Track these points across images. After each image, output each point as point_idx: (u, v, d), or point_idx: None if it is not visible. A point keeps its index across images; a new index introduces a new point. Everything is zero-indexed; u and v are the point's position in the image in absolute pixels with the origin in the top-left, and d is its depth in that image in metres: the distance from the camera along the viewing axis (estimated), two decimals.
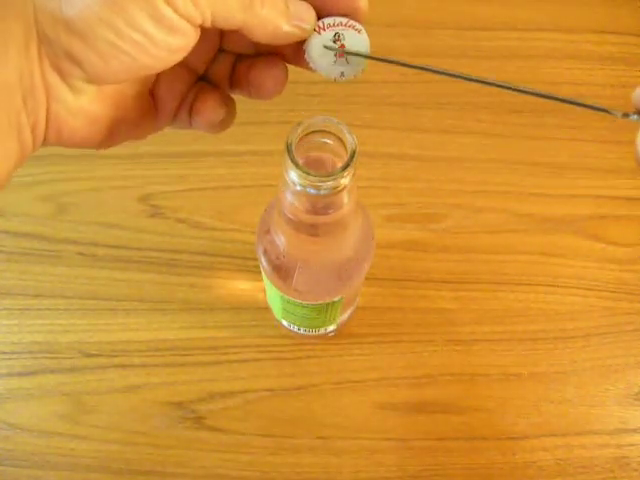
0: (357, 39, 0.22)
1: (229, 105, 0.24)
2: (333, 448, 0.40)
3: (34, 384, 0.41)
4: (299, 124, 0.25)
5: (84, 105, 0.21)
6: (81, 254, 0.45)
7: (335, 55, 0.22)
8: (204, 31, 0.20)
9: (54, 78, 0.19)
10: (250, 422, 0.40)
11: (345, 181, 0.24)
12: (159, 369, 0.41)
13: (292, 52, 0.23)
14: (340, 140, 0.25)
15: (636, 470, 0.40)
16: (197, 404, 0.41)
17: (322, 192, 0.24)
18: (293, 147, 0.24)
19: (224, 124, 0.24)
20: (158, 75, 0.23)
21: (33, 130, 0.20)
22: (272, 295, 0.36)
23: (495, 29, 0.55)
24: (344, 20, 0.22)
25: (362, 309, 0.43)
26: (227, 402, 0.41)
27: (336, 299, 0.34)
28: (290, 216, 0.27)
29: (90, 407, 0.40)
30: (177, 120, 0.24)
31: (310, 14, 0.21)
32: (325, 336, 0.42)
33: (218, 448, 0.40)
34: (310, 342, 0.42)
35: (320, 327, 0.39)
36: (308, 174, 0.24)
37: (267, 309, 0.43)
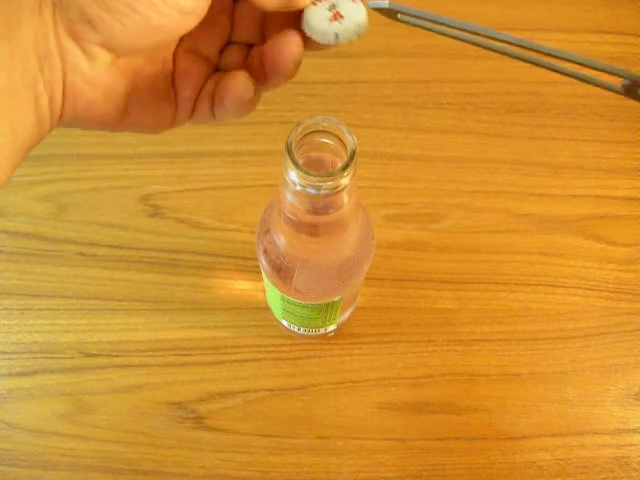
0: (353, 8, 0.22)
1: (255, 84, 0.23)
2: (333, 448, 0.40)
3: (34, 384, 0.41)
4: (299, 124, 0.25)
5: (100, 75, 0.21)
6: (81, 254, 0.45)
7: (329, 20, 0.22)
8: (214, 17, 0.21)
9: (69, 43, 0.19)
10: (250, 422, 0.40)
11: (345, 181, 0.24)
12: (159, 369, 0.41)
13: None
14: (340, 140, 0.25)
15: (636, 470, 0.40)
16: (197, 404, 0.41)
17: (322, 192, 0.24)
18: (293, 147, 0.24)
19: (252, 103, 0.23)
20: (175, 62, 0.23)
21: (51, 100, 0.20)
22: (272, 295, 0.36)
23: (495, 29, 0.55)
24: None
25: (362, 309, 0.43)
26: (227, 402, 0.41)
27: (336, 299, 0.34)
28: (290, 216, 0.27)
29: (90, 407, 0.40)
30: (197, 113, 0.24)
31: None
32: (325, 336, 0.42)
33: (218, 448, 0.40)
34: (310, 342, 0.42)
35: (320, 327, 0.39)
36: (308, 174, 0.24)
37: (267, 309, 0.43)
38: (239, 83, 0.22)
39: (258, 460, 0.39)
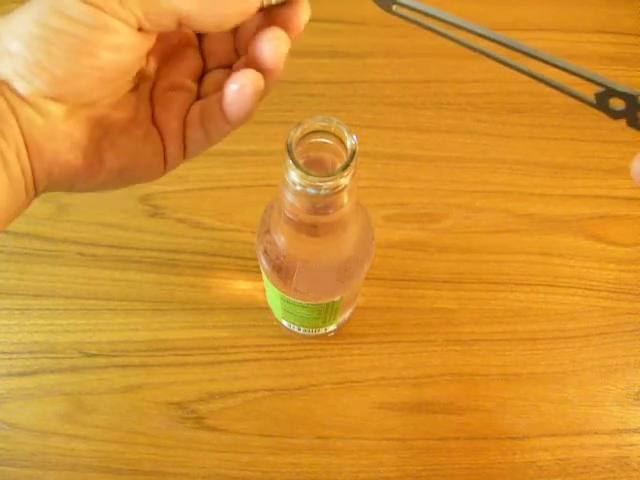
0: None
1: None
2: (333, 448, 0.40)
3: (34, 384, 0.41)
4: (299, 124, 0.25)
5: (57, 126, 0.21)
6: (81, 254, 0.45)
7: None
8: (181, 52, 0.21)
9: (15, 99, 0.20)
10: (250, 422, 0.40)
11: (345, 181, 0.24)
12: (159, 369, 0.41)
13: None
14: (340, 140, 0.25)
15: (636, 470, 0.40)
16: (197, 404, 0.41)
17: (322, 192, 0.24)
18: (293, 147, 0.24)
19: (259, 99, 0.22)
20: (153, 103, 0.23)
21: (17, 156, 0.20)
22: (272, 295, 0.36)
23: (495, 29, 0.54)
24: None
25: (362, 309, 0.43)
26: (227, 402, 0.41)
27: (336, 299, 0.34)
28: (290, 216, 0.27)
29: (90, 407, 0.40)
30: (190, 142, 0.24)
31: None
32: (325, 336, 0.42)
33: (218, 448, 0.40)
34: (310, 342, 0.42)
35: (320, 327, 0.39)
36: (308, 174, 0.24)
37: (267, 309, 0.43)
38: (249, 75, 0.21)
39: (258, 460, 0.39)
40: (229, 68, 0.24)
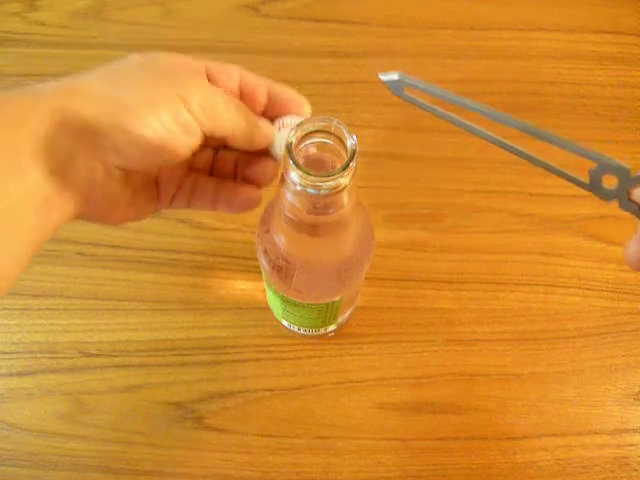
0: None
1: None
2: (333, 448, 0.40)
3: (34, 384, 0.41)
4: (299, 124, 0.25)
5: (109, 183, 0.24)
6: (81, 254, 0.45)
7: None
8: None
9: (95, 162, 0.23)
10: (250, 422, 0.40)
11: (345, 181, 0.24)
12: (159, 369, 0.41)
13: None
14: (340, 140, 0.25)
15: (636, 470, 0.40)
16: (197, 404, 0.41)
17: (322, 192, 0.24)
18: (293, 147, 0.24)
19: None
20: (160, 167, 0.28)
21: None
22: (272, 295, 0.36)
23: (495, 29, 0.55)
24: (295, 119, 0.27)
25: (362, 309, 0.43)
26: (227, 402, 0.41)
27: (336, 299, 0.34)
28: (290, 216, 0.27)
29: (90, 407, 0.40)
30: (174, 205, 0.29)
31: (270, 129, 0.28)
32: (325, 336, 0.42)
33: (218, 448, 0.40)
34: (310, 342, 0.42)
35: (320, 327, 0.39)
36: (308, 174, 0.24)
37: (267, 309, 0.43)
38: (252, 195, 0.29)
39: (258, 460, 0.39)
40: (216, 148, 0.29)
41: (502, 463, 0.40)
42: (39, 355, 0.42)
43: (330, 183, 0.24)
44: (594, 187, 0.21)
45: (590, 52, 0.54)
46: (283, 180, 0.25)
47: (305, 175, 0.24)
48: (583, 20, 0.55)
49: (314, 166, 0.26)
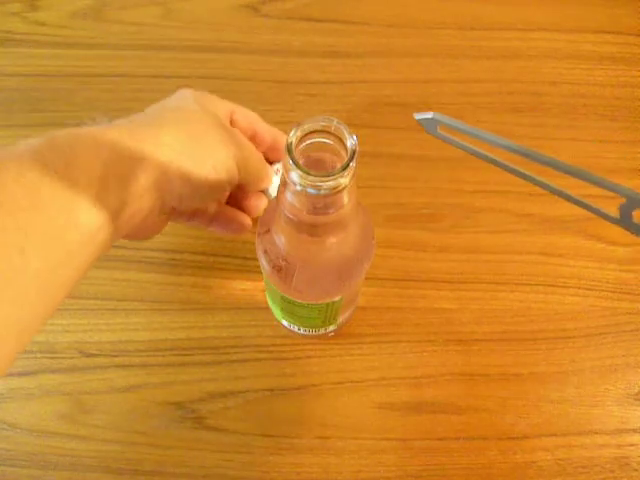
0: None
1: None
2: (333, 448, 0.40)
3: (34, 384, 0.41)
4: (299, 124, 0.25)
5: (157, 218, 0.29)
6: None
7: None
8: None
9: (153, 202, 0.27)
10: (250, 422, 0.40)
11: (345, 181, 0.24)
12: (159, 369, 0.41)
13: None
14: (340, 140, 0.25)
15: (636, 470, 0.40)
16: (197, 404, 0.41)
17: (322, 192, 0.24)
18: (293, 147, 0.24)
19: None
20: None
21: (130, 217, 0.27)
22: (272, 295, 0.36)
23: (495, 29, 0.55)
24: None
25: (362, 309, 0.43)
26: (227, 402, 0.41)
27: (336, 299, 0.34)
28: (290, 216, 0.27)
29: (90, 407, 0.40)
30: (179, 219, 0.34)
31: (272, 174, 0.36)
32: (325, 336, 0.42)
33: (218, 448, 0.40)
34: (310, 342, 0.42)
35: (320, 327, 0.39)
36: (308, 174, 0.24)
37: (267, 309, 0.43)
38: (247, 222, 0.35)
39: (258, 460, 0.39)
40: None
41: (502, 463, 0.40)
42: (39, 355, 0.42)
43: (330, 183, 0.24)
44: (624, 222, 0.21)
45: (590, 52, 0.54)
46: (283, 180, 0.25)
47: (305, 175, 0.24)
48: (583, 20, 0.55)
49: (314, 166, 0.26)
